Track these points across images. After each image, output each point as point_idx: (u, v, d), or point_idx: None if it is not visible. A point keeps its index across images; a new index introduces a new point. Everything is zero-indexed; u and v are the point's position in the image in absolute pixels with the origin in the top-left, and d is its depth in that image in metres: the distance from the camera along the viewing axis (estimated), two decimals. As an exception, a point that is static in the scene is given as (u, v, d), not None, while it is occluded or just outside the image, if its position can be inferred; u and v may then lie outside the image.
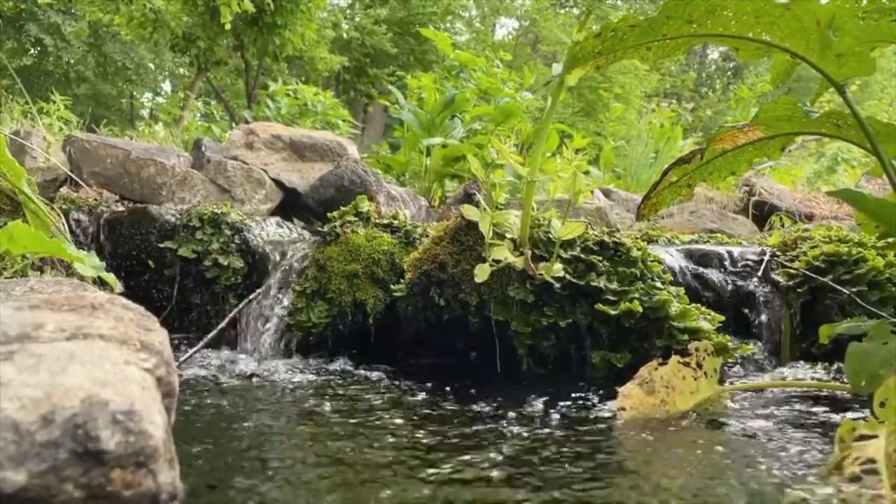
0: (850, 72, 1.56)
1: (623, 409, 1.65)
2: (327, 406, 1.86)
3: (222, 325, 2.62)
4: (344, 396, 1.99)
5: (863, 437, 1.20)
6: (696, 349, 1.69)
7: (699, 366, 1.69)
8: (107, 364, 0.94)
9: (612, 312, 2.20)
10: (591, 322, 2.26)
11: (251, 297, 2.76)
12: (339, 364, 2.51)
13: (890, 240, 2.50)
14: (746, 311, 2.66)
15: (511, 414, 1.74)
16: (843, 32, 1.51)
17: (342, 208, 2.87)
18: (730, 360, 2.36)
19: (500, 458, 1.34)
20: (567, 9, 23.24)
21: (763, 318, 2.64)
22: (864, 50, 1.52)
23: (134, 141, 4.59)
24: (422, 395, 2.00)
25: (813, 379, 2.33)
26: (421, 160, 5.03)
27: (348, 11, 18.03)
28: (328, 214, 2.88)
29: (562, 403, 1.88)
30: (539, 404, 1.86)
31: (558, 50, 19.46)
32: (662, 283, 2.34)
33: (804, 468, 1.27)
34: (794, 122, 1.70)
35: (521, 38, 23.62)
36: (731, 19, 1.57)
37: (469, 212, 2.38)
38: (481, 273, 2.26)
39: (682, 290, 2.38)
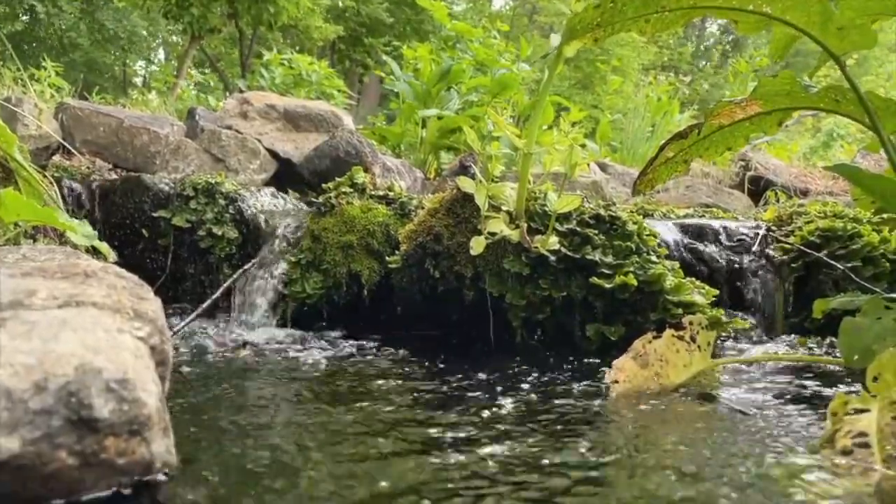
0: (851, 45, 1.55)
1: (616, 381, 1.66)
2: (321, 376, 1.87)
3: (216, 295, 2.61)
4: (338, 367, 1.99)
5: (855, 411, 1.21)
6: (690, 323, 1.69)
7: (693, 339, 1.69)
8: (100, 332, 0.94)
9: (607, 286, 2.20)
10: (586, 295, 2.27)
11: (245, 267, 2.76)
12: (333, 334, 2.52)
13: (885, 215, 2.51)
14: (740, 285, 2.67)
15: (503, 386, 1.75)
16: (844, 5, 1.49)
17: (337, 179, 2.86)
18: (723, 334, 2.37)
19: (492, 430, 1.35)
20: (565, -20, 22.95)
21: (757, 292, 2.65)
22: (865, 23, 1.51)
23: (127, 109, 4.55)
24: (416, 367, 2.01)
25: (806, 353, 2.34)
26: (416, 132, 5.00)
27: (344, -20, 17.81)
28: (323, 185, 2.86)
29: (555, 375, 1.88)
30: (532, 376, 1.87)
31: (556, 21, 19.29)
32: (657, 257, 2.34)
33: (796, 441, 1.28)
34: (793, 97, 1.69)
35: (518, 9, 23.39)
36: (731, -10, 1.55)
37: (465, 184, 2.37)
38: (477, 245, 2.26)
39: (676, 265, 2.38)
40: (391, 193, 2.84)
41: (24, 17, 16.91)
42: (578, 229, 2.34)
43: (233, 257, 2.95)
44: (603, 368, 1.93)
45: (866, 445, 1.14)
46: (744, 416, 1.49)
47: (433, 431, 1.32)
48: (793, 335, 2.55)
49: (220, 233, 2.93)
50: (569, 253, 2.28)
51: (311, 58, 8.19)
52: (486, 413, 1.48)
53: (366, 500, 0.95)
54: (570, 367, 1.99)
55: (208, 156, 3.76)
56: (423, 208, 2.59)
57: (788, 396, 1.69)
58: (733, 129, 1.81)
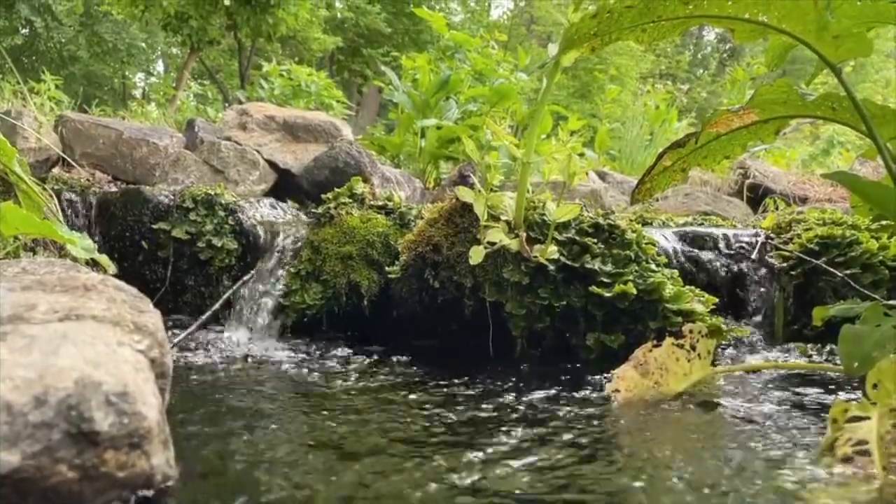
0: (847, 53, 1.55)
1: (618, 390, 1.66)
2: (321, 388, 1.87)
3: (216, 306, 2.62)
4: (338, 378, 1.99)
5: (855, 419, 1.21)
6: (690, 331, 1.69)
7: (693, 348, 1.70)
8: (100, 345, 0.94)
9: (607, 294, 2.20)
10: (586, 304, 2.27)
11: (245, 278, 2.76)
12: (333, 345, 2.51)
13: (884, 222, 2.51)
14: (740, 293, 2.67)
15: (503, 396, 1.75)
16: (840, 13, 1.50)
17: (336, 190, 2.86)
18: (723, 342, 2.37)
19: (490, 440, 1.35)
20: (562, -11, 23.05)
21: (756, 300, 2.65)
22: (861, 31, 1.51)
23: (126, 121, 4.56)
24: (416, 378, 2.00)
25: (806, 361, 2.34)
26: (415, 142, 5.01)
27: (342, -9, 17.86)
28: (322, 196, 2.87)
29: (555, 384, 1.88)
30: (532, 386, 1.87)
31: (554, 30, 19.36)
32: (657, 265, 2.34)
33: (796, 449, 1.28)
34: (790, 106, 1.69)
35: (516, 19, 23.48)
36: (727, 0, 1.56)
37: (464, 194, 2.37)
38: (476, 255, 2.26)
39: (676, 273, 2.38)
40: (390, 203, 2.85)
41: (24, 31, 16.96)
42: (577, 238, 2.34)
43: (232, 268, 2.95)
44: (603, 377, 1.93)
45: (866, 453, 1.14)
46: (744, 424, 1.49)
47: (434, 443, 1.32)
48: (793, 343, 2.55)
49: (219, 244, 2.93)
50: (568, 262, 2.28)
51: (309, 69, 8.20)
52: (485, 423, 1.48)
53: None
54: (570, 375, 1.99)
55: (208, 167, 3.77)
56: (422, 218, 2.60)
57: (788, 404, 1.69)
58: (731, 138, 1.82)
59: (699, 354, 1.70)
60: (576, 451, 1.27)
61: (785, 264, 2.66)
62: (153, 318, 1.11)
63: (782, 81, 1.64)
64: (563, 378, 1.97)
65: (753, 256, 2.70)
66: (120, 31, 17.62)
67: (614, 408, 1.62)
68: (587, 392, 1.81)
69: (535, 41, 20.39)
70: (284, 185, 3.91)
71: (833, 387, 1.90)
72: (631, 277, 2.24)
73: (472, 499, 1.01)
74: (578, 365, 2.18)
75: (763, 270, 2.68)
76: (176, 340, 2.36)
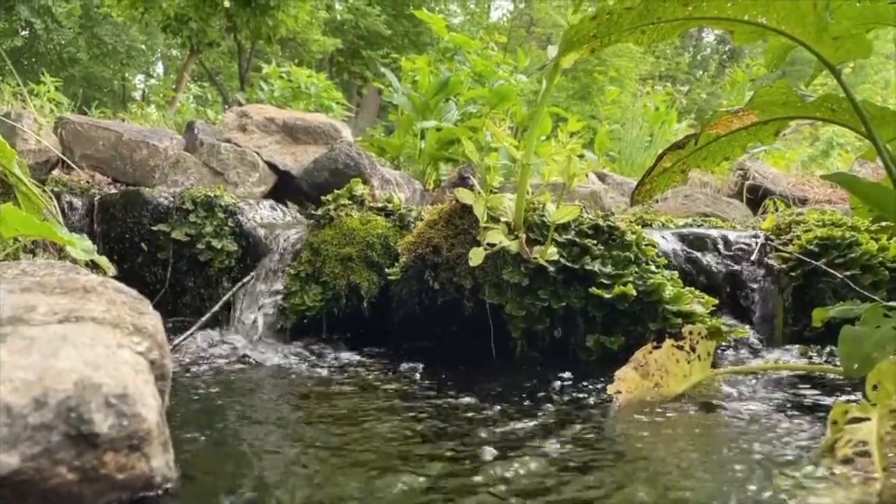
0: (847, 54, 1.55)
1: (619, 392, 1.66)
2: (321, 390, 1.86)
3: (215, 308, 2.62)
4: (338, 380, 1.99)
5: (855, 420, 1.20)
6: (690, 333, 1.69)
7: (693, 349, 1.69)
8: (99, 347, 0.94)
9: (607, 296, 2.20)
10: (586, 305, 2.27)
11: (244, 280, 2.76)
12: (332, 347, 2.51)
13: (883, 223, 2.51)
14: (740, 294, 2.67)
15: (503, 398, 1.75)
16: (839, 15, 1.50)
17: (336, 191, 2.86)
18: (723, 344, 2.37)
19: (493, 441, 1.35)
20: (562, -9, 23.07)
21: (756, 301, 2.65)
22: (860, 32, 1.51)
23: (126, 123, 4.56)
24: (416, 380, 2.00)
25: (805, 362, 2.34)
26: (415, 143, 5.02)
27: (342, -7, 17.88)
28: (322, 198, 2.87)
29: (556, 386, 1.88)
30: (532, 387, 1.87)
31: (553, 32, 19.38)
32: (657, 266, 2.34)
33: (796, 450, 1.28)
34: (789, 107, 1.70)
35: (515, 21, 23.50)
36: (726, 2, 1.56)
37: (463, 195, 2.37)
38: (475, 256, 2.26)
39: (675, 274, 2.38)
40: (390, 205, 2.85)
41: (24, 33, 16.98)
42: (577, 240, 2.34)
43: (232, 270, 2.95)
44: (603, 378, 1.93)
45: (866, 454, 1.14)
46: (743, 426, 1.49)
47: (433, 448, 1.32)
48: (792, 344, 2.55)
49: (219, 246, 2.93)
50: (568, 263, 2.28)
51: (309, 70, 8.20)
52: (485, 425, 1.47)
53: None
54: (570, 377, 1.99)
55: (207, 169, 3.77)
56: (422, 220, 2.59)
57: (788, 406, 1.69)
58: (730, 139, 1.82)
59: (699, 356, 1.70)
60: (576, 452, 1.27)
61: (785, 266, 2.66)
62: (153, 319, 1.11)
63: (782, 83, 1.65)
64: (562, 379, 1.97)
65: (753, 258, 2.70)
66: (120, 33, 17.64)
67: (615, 409, 1.62)
68: (587, 393, 1.80)
69: (535, 43, 20.41)
70: (284, 187, 3.91)
71: (833, 388, 1.90)
72: (631, 279, 2.24)
73: (474, 499, 1.01)
74: (578, 366, 2.18)
75: (763, 272, 2.68)
76: (176, 342, 2.36)
